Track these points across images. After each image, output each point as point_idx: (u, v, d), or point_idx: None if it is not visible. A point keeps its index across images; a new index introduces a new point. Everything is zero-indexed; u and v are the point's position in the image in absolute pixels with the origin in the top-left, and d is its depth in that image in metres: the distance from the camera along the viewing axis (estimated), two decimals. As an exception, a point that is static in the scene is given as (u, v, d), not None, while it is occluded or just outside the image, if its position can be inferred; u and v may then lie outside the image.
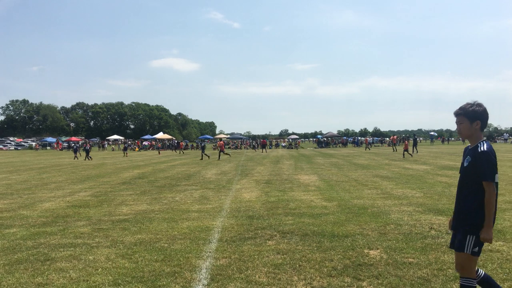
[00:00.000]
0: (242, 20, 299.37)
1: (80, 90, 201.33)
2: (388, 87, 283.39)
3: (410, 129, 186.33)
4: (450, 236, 3.50)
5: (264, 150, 49.61)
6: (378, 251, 5.41)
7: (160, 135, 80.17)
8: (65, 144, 73.01)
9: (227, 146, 68.00)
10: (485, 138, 3.31)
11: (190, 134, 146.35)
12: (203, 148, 32.94)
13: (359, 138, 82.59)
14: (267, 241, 6.02)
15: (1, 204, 9.97)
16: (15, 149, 75.22)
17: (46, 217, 8.17)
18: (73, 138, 77.78)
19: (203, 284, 4.33)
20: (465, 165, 3.29)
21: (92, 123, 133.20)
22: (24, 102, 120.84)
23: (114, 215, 8.27)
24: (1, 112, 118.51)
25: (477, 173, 3.14)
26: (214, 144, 61.73)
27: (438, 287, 4.17)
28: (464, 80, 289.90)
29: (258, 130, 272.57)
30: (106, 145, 69.72)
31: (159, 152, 48.92)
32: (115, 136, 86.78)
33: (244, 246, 5.73)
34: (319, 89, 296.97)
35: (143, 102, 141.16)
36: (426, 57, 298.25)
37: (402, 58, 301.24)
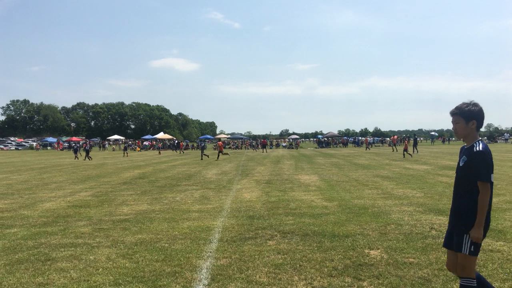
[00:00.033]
0: (242, 20, 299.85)
1: (81, 90, 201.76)
2: (388, 87, 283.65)
3: (410, 129, 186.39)
4: None
5: (264, 150, 49.64)
6: (379, 251, 5.41)
7: (161, 135, 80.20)
8: (66, 144, 73.04)
9: (227, 146, 68.14)
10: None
11: (191, 134, 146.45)
12: (202, 149, 32.93)
13: (360, 138, 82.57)
14: (268, 241, 6.02)
15: (2, 204, 9.98)
16: (16, 149, 75.27)
17: (46, 217, 8.18)
18: (74, 138, 77.80)
19: (203, 284, 4.34)
20: (460, 164, 3.30)
21: (92, 123, 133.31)
22: (25, 102, 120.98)
23: (115, 215, 8.28)
24: (2, 112, 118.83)
25: (473, 173, 3.14)
26: (214, 144, 61.75)
27: (438, 287, 4.17)
28: (464, 80, 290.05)
29: (258, 130, 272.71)
30: (106, 145, 69.73)
31: (159, 152, 48.93)
32: (116, 136, 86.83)
33: (245, 246, 5.73)
34: (319, 89, 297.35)
35: (144, 102, 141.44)
36: (426, 57, 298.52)
37: (403, 58, 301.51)
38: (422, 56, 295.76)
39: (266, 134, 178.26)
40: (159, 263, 5.06)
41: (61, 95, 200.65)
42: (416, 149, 35.61)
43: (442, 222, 7.04)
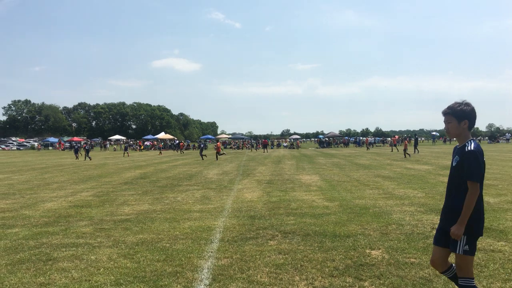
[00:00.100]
0: (243, 20, 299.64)
1: (82, 90, 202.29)
2: (389, 87, 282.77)
3: (412, 129, 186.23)
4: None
5: (265, 150, 49.64)
6: (380, 251, 5.40)
7: (162, 135, 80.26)
8: (67, 144, 73.13)
9: (229, 146, 68.19)
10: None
11: (192, 134, 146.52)
12: (201, 149, 32.95)
13: (361, 138, 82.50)
14: (269, 241, 6.02)
15: (4, 204, 10.00)
16: (17, 149, 75.41)
17: (48, 217, 8.19)
18: (75, 138, 77.90)
19: (204, 284, 4.34)
20: (453, 164, 3.30)
21: (94, 123, 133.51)
22: (26, 102, 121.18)
23: (116, 215, 8.29)
24: (3, 112, 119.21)
25: (464, 173, 3.14)
26: (215, 145, 61.77)
27: (440, 287, 4.16)
28: (466, 80, 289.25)
29: (259, 130, 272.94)
30: (108, 145, 69.80)
31: (160, 152, 48.96)
32: (117, 136, 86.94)
33: (246, 246, 5.73)
34: (320, 89, 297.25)
35: (145, 102, 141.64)
36: (427, 57, 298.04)
37: (403, 58, 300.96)
38: (422, 56, 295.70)
39: (267, 134, 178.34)
40: (160, 263, 5.07)
41: (62, 95, 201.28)
42: (417, 149, 35.58)
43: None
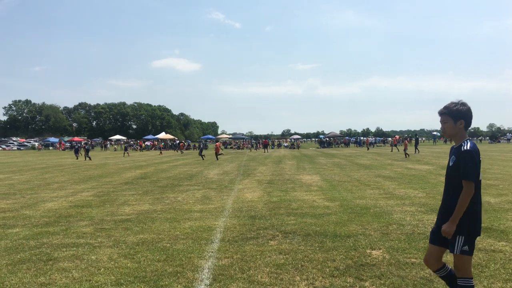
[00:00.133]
0: (243, 20, 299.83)
1: (82, 90, 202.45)
2: (389, 87, 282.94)
3: (412, 129, 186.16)
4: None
5: (266, 150, 49.64)
6: (381, 251, 5.40)
7: (162, 135, 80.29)
8: (68, 144, 73.19)
9: (229, 146, 68.21)
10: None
11: (192, 134, 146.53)
12: (201, 149, 32.90)
13: (362, 138, 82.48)
14: (269, 241, 6.01)
15: (4, 204, 10.00)
16: (18, 149, 75.48)
17: (48, 217, 8.19)
18: (76, 138, 77.99)
19: (205, 284, 4.33)
20: (450, 164, 3.29)
21: (94, 123, 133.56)
22: (27, 102, 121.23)
23: (117, 215, 8.28)
24: (4, 112, 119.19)
25: (461, 172, 3.13)
26: (215, 144, 61.75)
27: (440, 287, 4.16)
28: (466, 80, 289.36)
29: (260, 130, 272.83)
30: (108, 145, 69.84)
31: (160, 152, 48.97)
32: (118, 136, 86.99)
33: (246, 246, 5.73)
34: (320, 89, 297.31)
35: (145, 102, 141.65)
36: (427, 57, 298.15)
37: (404, 58, 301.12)
38: (423, 56, 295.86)
39: (268, 134, 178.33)
40: (160, 263, 5.06)
41: (63, 95, 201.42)
42: (417, 149, 35.56)
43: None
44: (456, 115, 3.25)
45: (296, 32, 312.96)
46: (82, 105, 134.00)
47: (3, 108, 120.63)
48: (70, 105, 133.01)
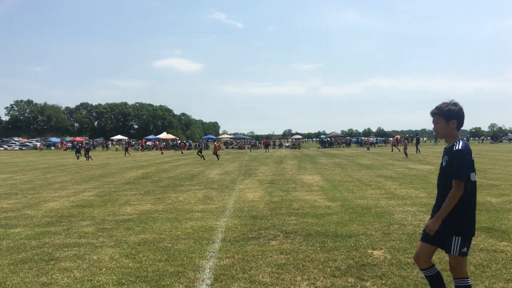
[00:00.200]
0: (245, 20, 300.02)
1: (84, 91, 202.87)
2: (391, 87, 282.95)
3: (414, 129, 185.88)
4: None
5: (267, 150, 49.64)
6: (382, 251, 5.40)
7: (164, 135, 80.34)
8: (69, 144, 73.30)
9: (230, 146, 68.26)
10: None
11: (194, 134, 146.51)
12: (200, 149, 32.92)
13: (363, 138, 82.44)
14: (271, 241, 6.02)
15: (6, 204, 10.03)
16: (20, 149, 75.62)
17: (50, 217, 8.21)
18: (77, 138, 78.07)
19: (206, 284, 4.34)
20: (443, 164, 3.29)
21: (96, 123, 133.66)
22: (29, 102, 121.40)
23: (118, 215, 8.30)
24: (6, 112, 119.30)
25: (451, 171, 3.13)
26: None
27: (442, 287, 4.15)
28: (468, 80, 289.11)
29: (261, 130, 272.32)
30: (110, 145, 69.92)
31: (162, 152, 49.01)
32: (119, 136, 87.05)
33: (248, 246, 5.73)
34: (322, 89, 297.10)
35: (147, 102, 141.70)
36: (429, 57, 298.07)
37: (405, 58, 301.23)
38: (424, 56, 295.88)
39: (269, 134, 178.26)
40: (162, 263, 5.07)
41: (64, 95, 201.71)
42: (418, 149, 35.52)
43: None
44: (448, 115, 3.25)
45: (298, 32, 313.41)
46: (83, 105, 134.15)
47: (5, 108, 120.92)
48: (72, 105, 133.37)
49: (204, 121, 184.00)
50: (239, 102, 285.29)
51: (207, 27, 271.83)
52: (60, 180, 16.06)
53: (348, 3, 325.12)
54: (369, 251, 5.41)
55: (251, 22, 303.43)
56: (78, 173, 19.14)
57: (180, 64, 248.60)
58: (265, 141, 57.04)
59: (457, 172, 3.08)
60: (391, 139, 71.31)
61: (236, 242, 5.95)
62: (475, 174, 3.21)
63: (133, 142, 74.01)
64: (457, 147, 3.15)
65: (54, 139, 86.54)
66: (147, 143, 71.68)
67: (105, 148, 67.59)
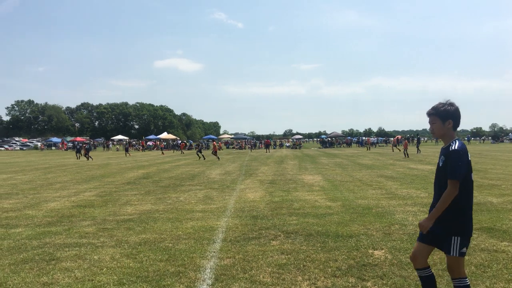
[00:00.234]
0: (246, 20, 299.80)
1: (85, 91, 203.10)
2: (392, 87, 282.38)
3: (415, 129, 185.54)
4: None
5: (267, 150, 49.65)
6: (383, 251, 5.39)
7: (164, 135, 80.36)
8: (70, 145, 73.37)
9: (231, 146, 68.26)
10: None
11: (195, 134, 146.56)
12: (200, 149, 32.98)
13: (364, 138, 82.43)
14: (271, 241, 6.02)
15: (7, 204, 10.04)
16: (21, 149, 75.69)
17: (51, 217, 8.22)
18: (78, 138, 78.14)
19: (207, 284, 4.34)
20: (440, 165, 3.29)
21: (97, 123, 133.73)
22: (30, 102, 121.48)
23: (119, 215, 8.30)
24: (7, 113, 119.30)
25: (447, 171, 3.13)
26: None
27: (443, 287, 4.15)
28: (469, 79, 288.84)
29: (262, 130, 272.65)
30: (110, 145, 69.97)
31: (162, 152, 49.04)
32: (120, 136, 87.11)
33: (248, 246, 5.73)
34: (323, 89, 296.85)
35: (147, 103, 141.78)
36: (430, 57, 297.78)
37: (406, 58, 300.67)
38: (426, 56, 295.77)
39: (270, 134, 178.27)
40: (163, 263, 5.07)
41: (65, 96, 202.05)
42: (419, 149, 35.50)
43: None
44: (444, 116, 3.25)
45: (298, 32, 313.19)
46: (84, 105, 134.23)
47: (6, 108, 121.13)
48: (73, 105, 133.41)
49: (204, 121, 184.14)
50: (240, 102, 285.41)
51: (207, 27, 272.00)
52: (61, 180, 16.07)
53: (349, 3, 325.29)
54: (370, 251, 5.41)
55: (251, 22, 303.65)
56: (79, 173, 19.15)
57: (181, 64, 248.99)
58: (266, 141, 57.02)
59: (452, 172, 3.08)
60: (391, 139, 71.35)
61: (236, 242, 5.95)
62: (472, 174, 3.21)
63: (134, 142, 74.06)
64: (453, 147, 3.15)
65: (55, 139, 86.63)
66: (148, 143, 71.72)
67: (105, 148, 67.64)
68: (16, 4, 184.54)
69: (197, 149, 32.95)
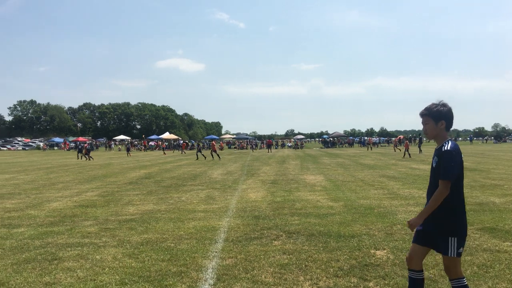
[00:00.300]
0: (247, 21, 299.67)
1: (87, 91, 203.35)
2: (394, 87, 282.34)
3: (416, 129, 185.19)
4: None
5: (269, 150, 49.65)
6: (385, 251, 5.39)
7: (166, 135, 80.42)
8: (72, 145, 73.50)
9: (233, 147, 68.29)
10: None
11: (196, 134, 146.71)
12: (200, 149, 33.03)
13: (366, 138, 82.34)
14: (273, 241, 6.02)
15: (9, 204, 10.06)
16: (23, 149, 75.85)
17: (53, 217, 8.23)
18: (80, 138, 78.26)
19: (209, 284, 4.34)
20: (433, 166, 3.29)
21: (99, 123, 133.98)
22: (32, 102, 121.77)
23: (121, 215, 8.31)
24: (9, 113, 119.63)
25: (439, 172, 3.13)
26: (219, 145, 61.91)
27: (444, 287, 4.14)
28: (471, 79, 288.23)
29: (264, 130, 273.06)
30: (112, 145, 70.06)
31: (164, 152, 49.08)
32: (122, 136, 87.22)
33: (250, 246, 5.73)
34: (325, 89, 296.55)
35: (149, 103, 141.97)
36: (432, 57, 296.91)
37: (408, 58, 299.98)
38: (427, 56, 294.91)
39: (272, 134, 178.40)
40: (165, 262, 5.08)
41: (67, 96, 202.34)
42: (420, 149, 35.44)
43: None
44: (437, 116, 3.24)
45: (300, 32, 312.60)
46: (86, 105, 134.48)
47: (8, 108, 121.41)
48: (75, 105, 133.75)
49: (206, 121, 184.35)
50: (242, 102, 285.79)
51: (209, 27, 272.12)
52: (63, 180, 16.10)
53: (350, 3, 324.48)
54: (372, 251, 5.40)
55: (253, 22, 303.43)
56: (81, 173, 19.19)
57: (183, 64, 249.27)
58: (268, 141, 57.02)
59: (445, 172, 3.08)
60: (393, 139, 71.26)
61: (238, 242, 5.95)
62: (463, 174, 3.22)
63: (136, 142, 74.15)
64: (446, 148, 3.15)
65: (57, 139, 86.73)
66: (150, 143, 71.78)
67: (107, 148, 67.74)
68: (17, 4, 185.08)
69: (197, 149, 32.93)
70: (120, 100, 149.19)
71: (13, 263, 5.17)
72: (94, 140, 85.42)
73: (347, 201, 9.46)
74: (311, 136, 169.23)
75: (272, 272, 4.65)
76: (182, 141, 65.86)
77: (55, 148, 78.88)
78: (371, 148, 52.42)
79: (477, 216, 7.49)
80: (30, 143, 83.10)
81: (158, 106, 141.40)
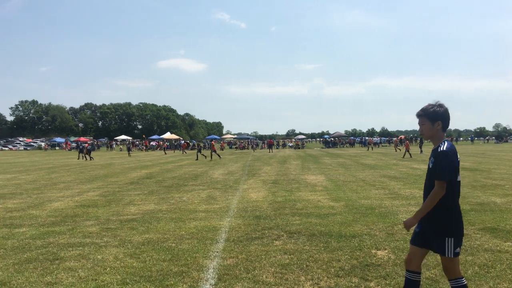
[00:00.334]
0: (249, 21, 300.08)
1: (88, 91, 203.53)
2: (395, 87, 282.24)
3: (417, 129, 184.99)
4: None
5: (270, 150, 49.66)
6: (386, 251, 5.39)
7: (168, 135, 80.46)
8: (74, 145, 73.57)
9: (234, 146, 68.30)
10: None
11: (197, 134, 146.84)
12: (200, 149, 33.05)
13: (367, 138, 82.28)
14: (274, 241, 6.02)
15: (11, 204, 10.08)
16: (25, 149, 76.01)
17: (55, 217, 8.25)
18: (82, 139, 78.34)
19: (210, 284, 4.35)
20: (430, 166, 3.29)
21: (100, 123, 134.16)
22: (33, 102, 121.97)
23: (122, 215, 8.33)
24: (11, 113, 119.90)
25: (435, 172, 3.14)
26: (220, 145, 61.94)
27: (446, 287, 4.14)
28: (472, 79, 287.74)
29: (265, 130, 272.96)
30: (114, 145, 70.14)
31: (165, 152, 49.11)
32: (123, 136, 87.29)
33: (251, 246, 5.74)
34: (326, 89, 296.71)
35: (151, 103, 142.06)
36: (433, 57, 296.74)
37: (409, 58, 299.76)
38: (428, 56, 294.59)
39: (273, 134, 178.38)
40: (166, 262, 5.08)
41: (69, 96, 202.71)
42: (421, 149, 35.39)
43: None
44: (433, 117, 3.24)
45: (301, 32, 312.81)
46: (88, 106, 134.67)
47: (10, 108, 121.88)
48: (76, 106, 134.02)
49: (207, 121, 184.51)
50: (243, 102, 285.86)
51: (210, 27, 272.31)
52: (64, 180, 16.12)
53: (350, 3, 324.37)
54: (373, 251, 5.40)
55: (255, 22, 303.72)
56: (82, 173, 19.21)
57: (184, 64, 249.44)
58: (269, 141, 57.03)
59: (440, 172, 3.08)
60: (394, 139, 71.22)
61: (239, 242, 5.96)
62: (459, 175, 3.22)
63: (137, 142, 74.22)
64: (441, 148, 3.16)
65: (59, 139, 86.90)
66: (151, 143, 71.83)
67: (109, 148, 67.82)
68: (18, 4, 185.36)
69: (197, 149, 32.96)
70: (122, 100, 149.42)
71: (14, 263, 5.19)
72: (95, 140, 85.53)
73: (348, 201, 9.46)
74: (312, 136, 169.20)
75: (273, 272, 4.66)
76: (183, 141, 65.91)
77: (57, 148, 79.04)
78: (371, 148, 52.39)
79: (478, 216, 7.49)
80: (32, 143, 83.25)
81: (160, 106, 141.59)
